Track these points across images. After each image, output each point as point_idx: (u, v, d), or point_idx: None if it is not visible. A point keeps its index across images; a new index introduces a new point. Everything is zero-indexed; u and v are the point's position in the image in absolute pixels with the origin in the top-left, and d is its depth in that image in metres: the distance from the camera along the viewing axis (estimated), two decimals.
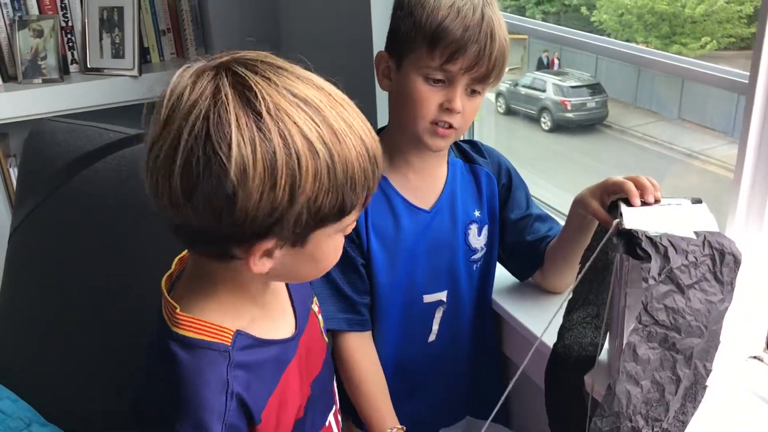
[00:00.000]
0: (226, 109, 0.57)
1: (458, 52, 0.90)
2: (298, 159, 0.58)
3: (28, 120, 1.87)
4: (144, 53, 2.11)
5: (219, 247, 0.64)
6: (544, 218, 1.11)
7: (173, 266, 0.75)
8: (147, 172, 0.62)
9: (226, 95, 0.58)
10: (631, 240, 0.76)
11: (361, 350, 1.03)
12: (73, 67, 2.09)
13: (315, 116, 0.59)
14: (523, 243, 1.09)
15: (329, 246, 0.68)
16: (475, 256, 1.08)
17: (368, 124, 0.66)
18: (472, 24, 0.90)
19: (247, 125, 0.57)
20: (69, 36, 2.06)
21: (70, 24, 2.06)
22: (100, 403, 1.12)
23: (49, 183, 1.20)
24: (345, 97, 0.65)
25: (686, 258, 0.72)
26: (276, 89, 0.59)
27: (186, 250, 0.76)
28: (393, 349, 1.08)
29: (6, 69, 2.02)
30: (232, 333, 0.68)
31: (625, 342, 0.83)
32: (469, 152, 1.09)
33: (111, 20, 2.05)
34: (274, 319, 0.76)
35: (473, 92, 0.94)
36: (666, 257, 0.72)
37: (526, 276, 1.14)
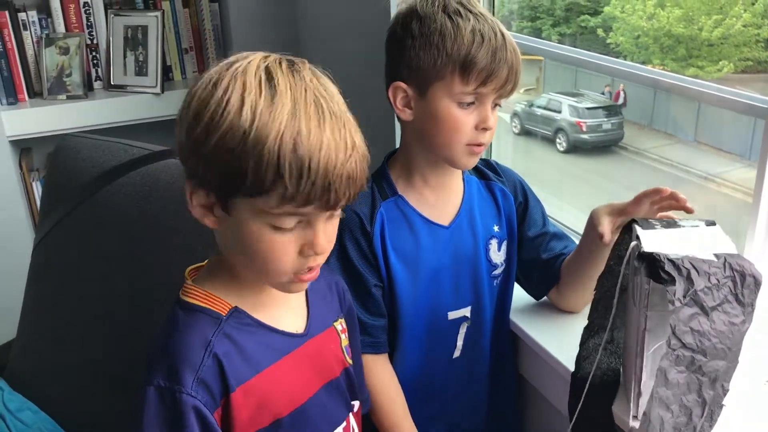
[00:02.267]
0: (232, 64, 0.70)
1: (491, 75, 0.93)
2: (224, 110, 0.66)
3: (52, 135, 1.91)
4: (167, 71, 2.15)
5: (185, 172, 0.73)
6: (560, 236, 1.11)
7: (205, 263, 0.82)
8: None
9: (240, 61, 0.70)
10: (652, 263, 0.76)
11: (375, 372, 1.03)
12: (97, 84, 2.14)
13: (266, 92, 0.67)
14: (538, 261, 1.09)
15: (253, 228, 0.70)
16: (496, 272, 1.09)
17: (354, 141, 0.70)
18: (499, 46, 0.93)
19: (216, 70, 0.70)
20: (94, 53, 2.11)
21: (95, 42, 2.10)
22: (121, 416, 1.13)
23: (73, 197, 1.22)
24: (336, 114, 0.70)
25: (709, 280, 0.73)
26: (258, 65, 0.69)
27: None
28: (419, 368, 1.08)
29: (32, 85, 2.07)
30: (230, 306, 0.75)
31: (644, 363, 0.83)
32: (483, 170, 1.11)
33: (135, 39, 2.09)
34: (282, 312, 0.80)
35: (495, 105, 0.97)
36: (689, 280, 0.72)
37: (541, 294, 1.14)
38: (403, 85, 0.97)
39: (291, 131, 0.66)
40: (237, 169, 0.66)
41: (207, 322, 0.74)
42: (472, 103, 0.95)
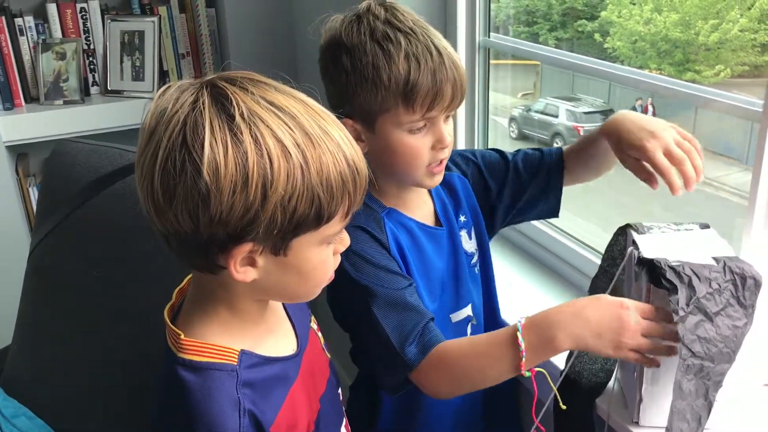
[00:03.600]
0: (201, 114, 0.61)
1: (436, 98, 0.88)
2: (270, 159, 0.60)
3: (49, 140, 1.90)
4: (163, 76, 2.15)
5: (203, 254, 0.65)
6: (521, 153, 1.08)
7: (174, 297, 0.77)
8: (137, 183, 0.66)
9: (203, 103, 0.61)
10: (653, 270, 0.76)
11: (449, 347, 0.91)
12: (93, 89, 2.13)
13: (289, 122, 0.62)
14: (530, 187, 1.06)
15: (314, 258, 0.68)
16: (473, 261, 1.08)
17: (349, 135, 0.68)
18: (436, 66, 0.88)
19: (219, 128, 0.60)
20: (90, 59, 2.11)
21: (92, 47, 2.10)
22: (116, 421, 1.13)
23: (69, 202, 1.22)
24: (324, 109, 0.67)
25: (710, 285, 0.73)
26: (251, 97, 0.62)
27: (185, 280, 0.78)
28: None
29: (29, 90, 2.07)
30: (238, 352, 0.70)
31: (645, 369, 0.83)
32: None
33: (132, 44, 2.09)
34: (276, 338, 0.78)
35: (447, 117, 0.94)
36: (691, 287, 0.73)
37: (558, 200, 1.08)
38: (349, 121, 0.91)
39: (334, 146, 0.64)
40: (308, 208, 0.63)
41: (225, 379, 0.68)
42: (425, 125, 0.91)
